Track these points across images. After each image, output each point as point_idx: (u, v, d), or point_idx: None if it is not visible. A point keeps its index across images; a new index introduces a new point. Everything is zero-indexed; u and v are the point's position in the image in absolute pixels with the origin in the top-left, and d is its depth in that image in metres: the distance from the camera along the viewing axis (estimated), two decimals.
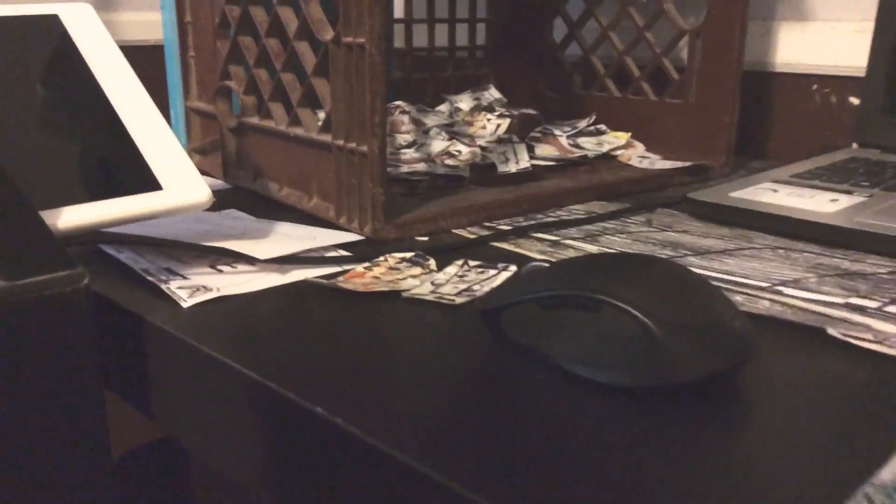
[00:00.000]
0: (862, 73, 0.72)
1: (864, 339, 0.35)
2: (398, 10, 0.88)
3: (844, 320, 0.37)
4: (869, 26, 0.71)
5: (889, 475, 0.24)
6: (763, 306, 0.39)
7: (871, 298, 0.40)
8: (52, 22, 0.47)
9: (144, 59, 0.81)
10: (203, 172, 0.65)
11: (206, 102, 0.65)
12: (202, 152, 0.67)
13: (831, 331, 0.36)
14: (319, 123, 0.53)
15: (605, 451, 0.27)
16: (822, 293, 0.40)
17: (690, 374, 0.29)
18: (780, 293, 0.41)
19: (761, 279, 0.43)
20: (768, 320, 0.38)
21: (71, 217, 0.38)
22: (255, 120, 0.59)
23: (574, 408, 0.30)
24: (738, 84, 0.68)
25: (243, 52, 0.58)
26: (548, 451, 0.27)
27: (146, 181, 0.42)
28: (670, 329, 0.29)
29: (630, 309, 0.30)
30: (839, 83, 0.76)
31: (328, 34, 0.49)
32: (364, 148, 0.48)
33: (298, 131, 0.54)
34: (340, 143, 0.50)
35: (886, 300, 0.39)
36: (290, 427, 0.31)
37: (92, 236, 0.41)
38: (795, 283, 0.42)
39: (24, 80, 0.44)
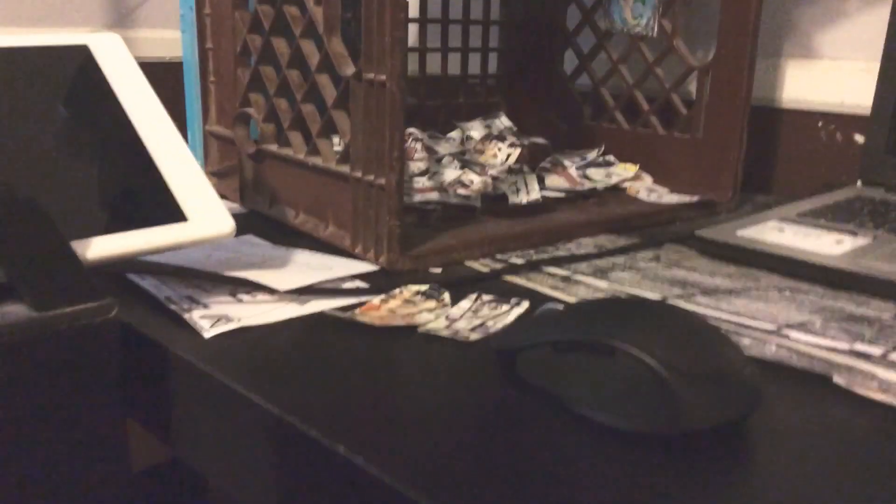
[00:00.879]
0: (867, 112, 0.73)
1: (869, 389, 0.36)
2: (412, 39, 0.89)
3: (849, 367, 0.38)
4: (875, 66, 0.72)
5: None
6: (770, 350, 0.40)
7: (875, 345, 0.41)
8: (82, 52, 0.48)
9: (160, 77, 0.82)
10: (220, 196, 0.67)
11: (224, 127, 0.66)
12: (220, 176, 0.68)
13: (837, 379, 0.37)
14: (337, 149, 0.54)
15: (613, 495, 0.28)
16: (827, 337, 0.41)
17: (701, 423, 0.30)
18: (787, 337, 0.42)
19: (768, 321, 0.44)
20: (775, 365, 0.39)
21: (99, 248, 0.39)
22: (273, 147, 0.60)
23: (584, 451, 0.31)
24: (745, 121, 0.69)
25: (264, 81, 0.60)
26: (558, 494, 0.28)
27: (172, 212, 0.43)
28: (683, 378, 0.30)
29: (644, 357, 0.31)
30: (845, 121, 0.77)
31: (349, 70, 0.51)
32: (382, 181, 0.49)
33: (317, 161, 0.55)
34: (358, 175, 0.51)
35: (891, 347, 0.40)
36: (308, 461, 0.32)
37: (117, 266, 0.42)
38: (801, 327, 0.43)
39: (54, 109, 0.45)
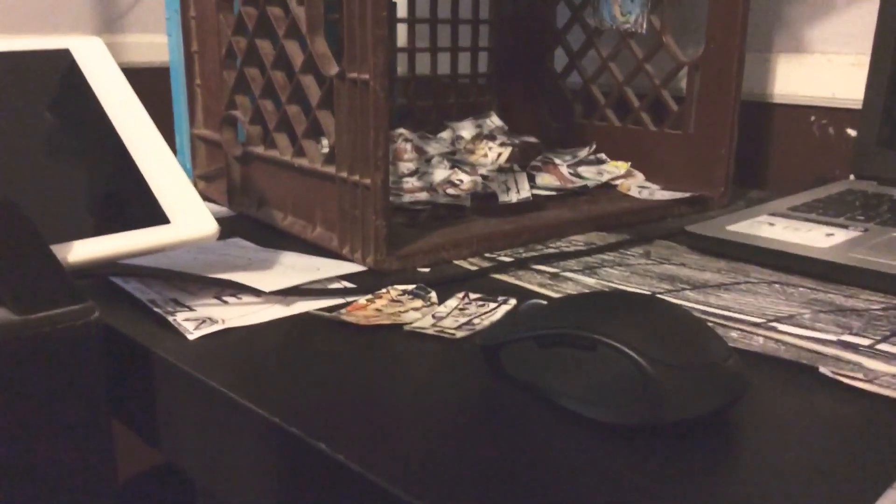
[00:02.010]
0: (859, 106, 0.73)
1: (855, 378, 0.35)
2: (401, 39, 0.89)
3: (837, 358, 0.38)
4: (865, 59, 0.72)
5: None
6: (757, 343, 0.40)
7: (863, 336, 0.40)
8: (63, 56, 0.48)
9: (149, 82, 0.82)
10: (208, 199, 0.67)
11: (211, 130, 0.66)
12: (207, 179, 0.68)
13: (823, 369, 0.36)
14: (323, 151, 0.54)
15: (598, 488, 0.27)
16: (815, 330, 0.41)
17: (684, 414, 0.30)
18: (775, 329, 0.41)
19: (756, 315, 0.43)
20: (762, 357, 0.38)
21: (81, 251, 0.39)
22: (260, 149, 0.60)
23: (570, 444, 0.30)
24: (736, 116, 0.69)
25: (249, 83, 0.59)
26: (543, 488, 0.27)
27: (154, 214, 0.42)
28: (665, 369, 0.30)
29: (625, 349, 0.30)
30: (837, 115, 0.77)
31: (333, 69, 0.50)
32: (367, 181, 0.49)
33: (303, 162, 0.55)
34: (344, 175, 0.51)
35: (878, 338, 0.40)
36: (294, 460, 0.32)
37: (100, 269, 0.42)
38: (790, 319, 0.43)
39: (36, 114, 0.45)
